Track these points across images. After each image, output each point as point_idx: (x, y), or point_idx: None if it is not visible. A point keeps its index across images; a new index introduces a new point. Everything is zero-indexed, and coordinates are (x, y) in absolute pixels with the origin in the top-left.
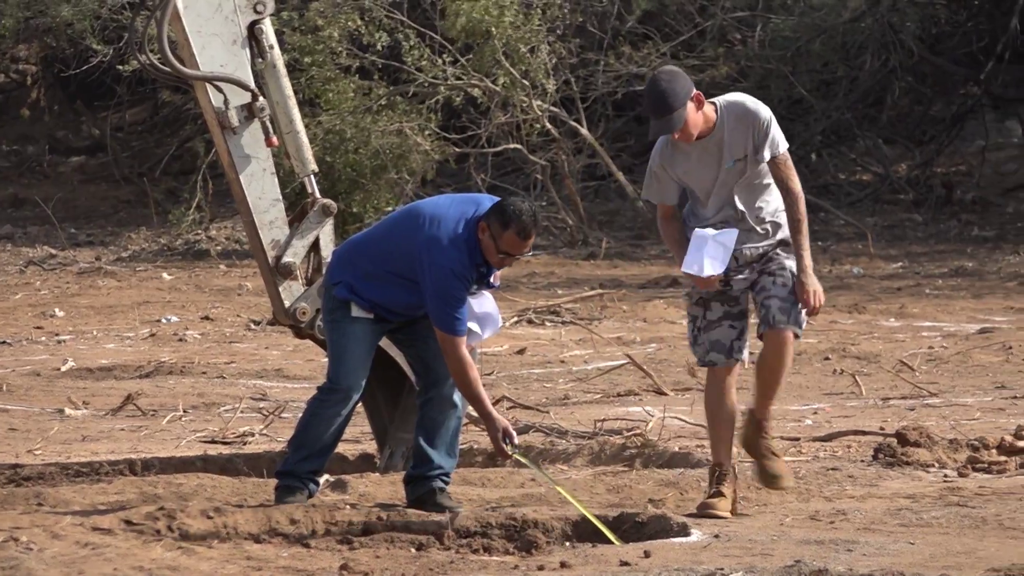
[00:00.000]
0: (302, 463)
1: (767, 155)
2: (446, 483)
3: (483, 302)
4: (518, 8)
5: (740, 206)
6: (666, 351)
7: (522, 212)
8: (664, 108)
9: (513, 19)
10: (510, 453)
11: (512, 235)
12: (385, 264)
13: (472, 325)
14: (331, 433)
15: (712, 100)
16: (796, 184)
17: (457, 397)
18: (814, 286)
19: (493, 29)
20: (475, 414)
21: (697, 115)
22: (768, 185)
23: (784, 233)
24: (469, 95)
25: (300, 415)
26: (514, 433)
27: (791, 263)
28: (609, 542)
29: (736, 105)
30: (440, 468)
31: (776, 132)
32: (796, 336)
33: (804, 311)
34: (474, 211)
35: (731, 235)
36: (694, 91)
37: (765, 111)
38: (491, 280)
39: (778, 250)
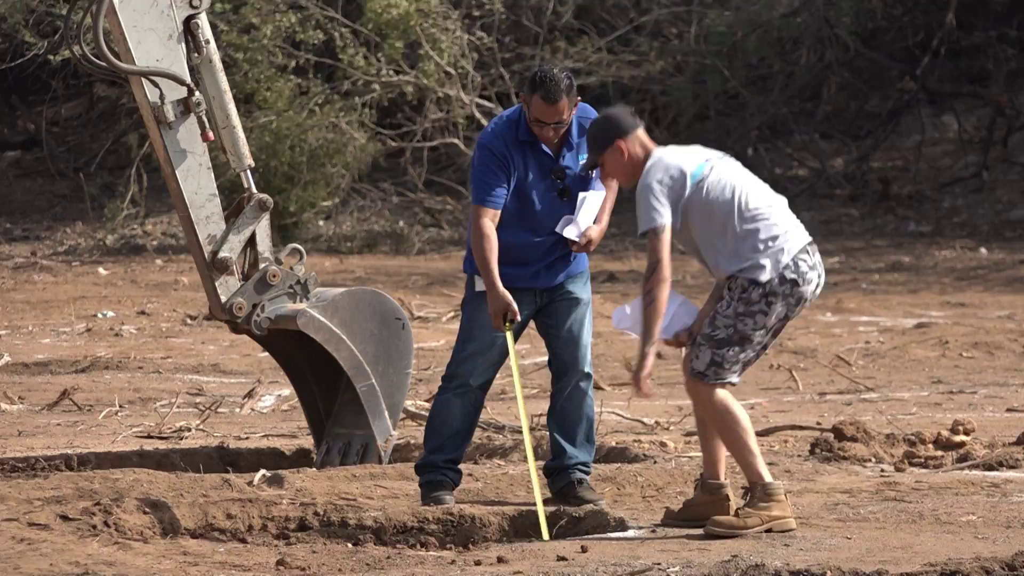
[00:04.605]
0: (435, 453)
1: None
2: (586, 473)
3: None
4: None
5: None
6: (602, 346)
7: (547, 76)
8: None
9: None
10: (505, 329)
11: (538, 100)
12: None
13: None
14: (456, 420)
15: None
16: None
17: (584, 384)
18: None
19: (393, 11)
20: (411, 408)
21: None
22: None
23: None
24: (401, 91)
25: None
26: (516, 310)
27: None
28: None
29: None
30: (575, 458)
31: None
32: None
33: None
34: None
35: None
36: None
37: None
38: (572, 167)
39: None
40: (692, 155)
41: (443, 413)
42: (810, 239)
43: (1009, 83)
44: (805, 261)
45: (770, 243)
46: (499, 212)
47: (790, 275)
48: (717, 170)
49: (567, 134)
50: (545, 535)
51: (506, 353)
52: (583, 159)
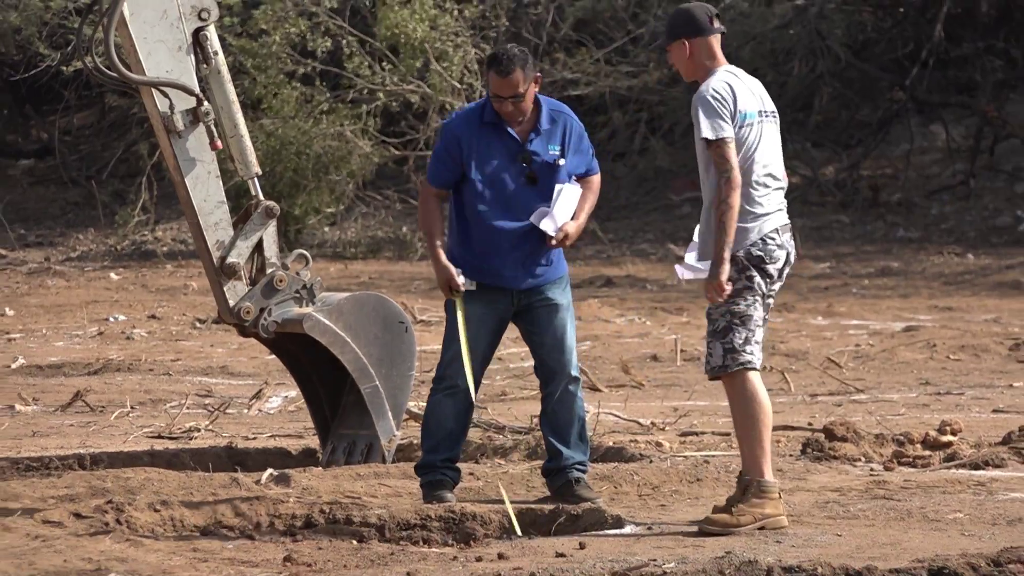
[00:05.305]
0: (432, 453)
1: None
2: (583, 472)
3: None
4: (435, 11)
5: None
6: (600, 348)
7: (501, 51)
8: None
9: (430, 21)
10: (453, 297)
11: (493, 74)
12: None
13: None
14: (449, 420)
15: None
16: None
17: (573, 387)
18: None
19: (408, 32)
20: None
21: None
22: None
23: None
24: (406, 100)
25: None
26: (460, 283)
27: None
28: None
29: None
30: (571, 459)
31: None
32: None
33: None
34: None
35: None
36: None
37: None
38: (540, 152)
39: None
40: (752, 96)
41: (436, 414)
42: (785, 222)
43: (996, 93)
44: (774, 240)
45: (746, 218)
46: (443, 191)
47: (756, 252)
48: (760, 126)
49: (536, 120)
50: (517, 530)
51: (491, 351)
52: (553, 148)
